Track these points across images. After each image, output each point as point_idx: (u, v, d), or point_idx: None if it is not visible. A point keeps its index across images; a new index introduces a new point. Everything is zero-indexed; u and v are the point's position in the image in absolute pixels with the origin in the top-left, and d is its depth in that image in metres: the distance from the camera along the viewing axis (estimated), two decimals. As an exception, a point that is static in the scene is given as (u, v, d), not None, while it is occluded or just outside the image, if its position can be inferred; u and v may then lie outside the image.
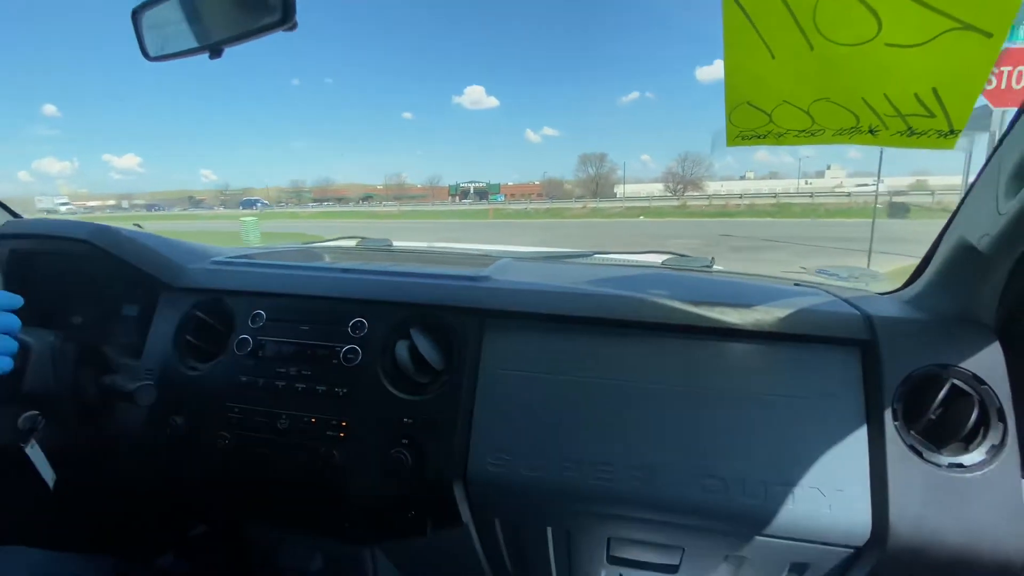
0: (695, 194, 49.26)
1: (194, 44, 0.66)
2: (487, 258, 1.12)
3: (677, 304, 0.74)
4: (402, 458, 0.74)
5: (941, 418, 0.63)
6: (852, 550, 0.64)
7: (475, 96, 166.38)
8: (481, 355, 0.78)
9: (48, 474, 0.82)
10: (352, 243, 1.48)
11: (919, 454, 0.62)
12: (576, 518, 0.74)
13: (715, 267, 1.12)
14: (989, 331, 0.65)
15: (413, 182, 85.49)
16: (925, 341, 0.67)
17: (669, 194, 52.70)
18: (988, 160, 0.58)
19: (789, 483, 0.64)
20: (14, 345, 0.69)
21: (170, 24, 0.69)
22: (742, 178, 72.85)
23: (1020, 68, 5.04)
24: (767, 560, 0.69)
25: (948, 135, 0.49)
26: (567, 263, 1.21)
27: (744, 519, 0.65)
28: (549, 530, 0.77)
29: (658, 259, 1.20)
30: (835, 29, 0.47)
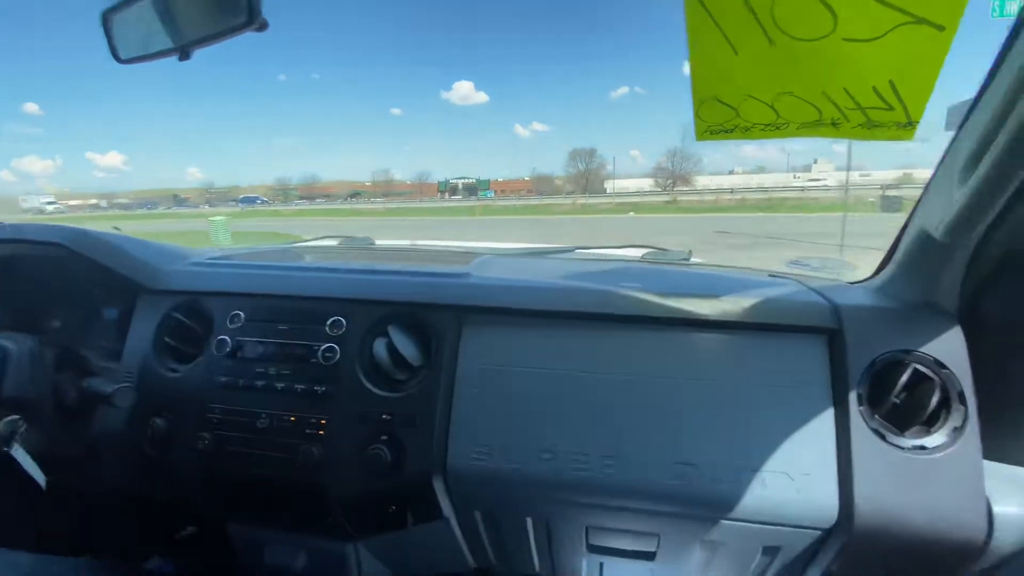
0: (684, 189, 49.54)
1: (164, 46, 0.66)
2: (468, 255, 1.12)
3: (652, 297, 0.76)
4: (381, 454, 0.74)
5: (905, 402, 0.65)
6: (821, 532, 0.66)
7: (464, 91, 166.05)
8: (459, 351, 0.79)
9: (39, 476, 0.82)
10: (334, 242, 1.48)
11: (883, 437, 0.64)
12: (554, 508, 0.75)
13: (692, 259, 1.14)
14: (951, 317, 0.67)
15: (402, 179, 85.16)
16: (889, 328, 0.68)
17: (659, 189, 52.94)
18: (946, 152, 0.60)
19: (759, 468, 0.66)
20: None
21: (140, 26, 0.68)
22: (731, 172, 73.34)
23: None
24: (740, 544, 0.71)
25: (906, 126, 0.50)
26: (548, 259, 1.21)
27: (716, 504, 0.67)
28: (529, 521, 0.78)
29: (638, 253, 1.21)
30: (793, 25, 0.48)
